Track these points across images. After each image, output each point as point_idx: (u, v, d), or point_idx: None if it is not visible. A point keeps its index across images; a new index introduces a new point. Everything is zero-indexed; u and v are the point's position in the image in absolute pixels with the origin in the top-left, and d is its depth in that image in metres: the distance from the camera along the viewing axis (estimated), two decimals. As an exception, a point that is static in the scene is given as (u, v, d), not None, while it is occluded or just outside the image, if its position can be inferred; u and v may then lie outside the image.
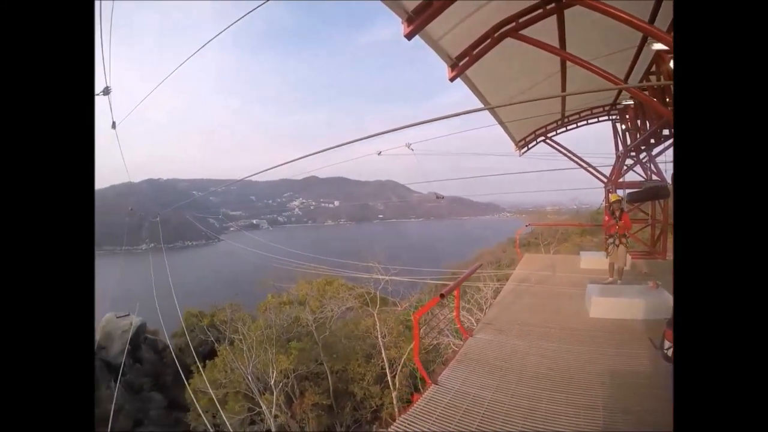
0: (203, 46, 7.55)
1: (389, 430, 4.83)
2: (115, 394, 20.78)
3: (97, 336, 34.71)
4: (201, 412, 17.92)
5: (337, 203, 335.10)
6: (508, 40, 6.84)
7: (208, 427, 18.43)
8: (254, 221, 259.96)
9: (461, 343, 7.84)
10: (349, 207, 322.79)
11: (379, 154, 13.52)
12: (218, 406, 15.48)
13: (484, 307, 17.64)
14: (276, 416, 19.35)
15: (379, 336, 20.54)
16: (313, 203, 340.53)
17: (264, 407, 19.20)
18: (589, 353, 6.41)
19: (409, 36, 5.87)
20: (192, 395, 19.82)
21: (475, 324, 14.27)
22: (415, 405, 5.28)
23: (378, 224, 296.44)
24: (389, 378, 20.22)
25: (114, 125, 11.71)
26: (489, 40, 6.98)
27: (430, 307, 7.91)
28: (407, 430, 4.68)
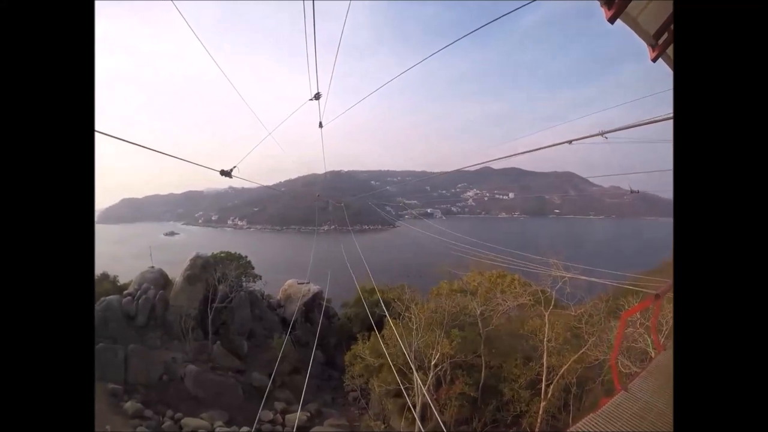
0: (423, 61, 7.75)
1: (577, 425, 5.01)
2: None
3: (278, 296, 41.36)
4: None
5: (511, 195, 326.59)
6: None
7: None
8: (428, 210, 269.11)
9: (629, 364, 7.05)
10: (524, 199, 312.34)
11: (570, 143, 12.44)
12: (396, 373, 16.27)
13: (664, 327, 15.14)
14: (423, 395, 19.84)
15: (545, 340, 19.27)
16: (487, 194, 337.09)
17: (416, 384, 19.77)
18: None
19: (611, 19, 5.41)
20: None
21: (650, 342, 12.77)
22: (603, 408, 5.34)
23: (554, 219, 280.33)
24: (543, 386, 18.80)
25: (321, 125, 13.14)
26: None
27: (641, 309, 7.19)
28: (593, 430, 4.80)
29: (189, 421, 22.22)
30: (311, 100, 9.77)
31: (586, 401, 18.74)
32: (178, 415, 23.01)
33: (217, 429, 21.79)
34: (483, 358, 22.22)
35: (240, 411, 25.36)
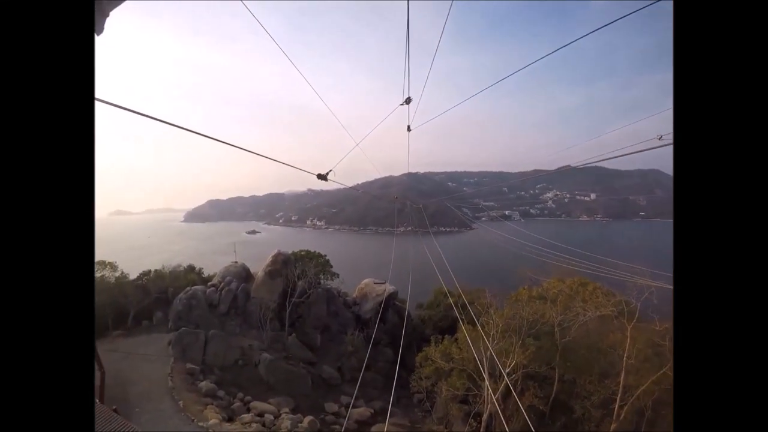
0: (512, 74, 7.80)
1: None
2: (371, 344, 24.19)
3: (354, 294, 42.62)
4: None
5: (593, 196, 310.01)
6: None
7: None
8: (506, 212, 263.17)
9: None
10: (606, 201, 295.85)
11: (660, 138, 11.40)
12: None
13: None
14: (492, 404, 19.23)
15: (624, 356, 18.02)
16: (567, 196, 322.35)
17: (486, 392, 19.34)
18: None
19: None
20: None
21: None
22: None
23: (639, 223, 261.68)
24: (616, 406, 17.67)
25: (408, 128, 13.51)
26: None
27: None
28: None
29: (257, 405, 23.46)
30: (402, 104, 10.20)
31: (660, 428, 17.45)
32: (248, 398, 24.47)
33: (283, 415, 22.75)
34: (557, 370, 21.32)
35: (306, 400, 26.59)
